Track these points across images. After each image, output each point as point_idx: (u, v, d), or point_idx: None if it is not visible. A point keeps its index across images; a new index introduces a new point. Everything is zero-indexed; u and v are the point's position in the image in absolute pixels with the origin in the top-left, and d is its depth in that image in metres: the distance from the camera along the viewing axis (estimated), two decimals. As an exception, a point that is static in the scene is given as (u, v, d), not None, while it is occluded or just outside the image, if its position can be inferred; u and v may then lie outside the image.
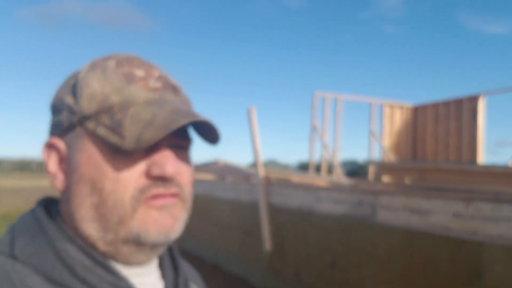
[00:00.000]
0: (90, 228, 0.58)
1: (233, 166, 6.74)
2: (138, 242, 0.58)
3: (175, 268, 0.71)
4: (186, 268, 0.77)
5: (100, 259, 0.59)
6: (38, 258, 0.56)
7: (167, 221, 0.59)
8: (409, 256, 3.68)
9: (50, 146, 0.64)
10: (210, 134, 0.64)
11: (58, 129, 0.63)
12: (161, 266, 0.69)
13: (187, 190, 0.63)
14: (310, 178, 6.10)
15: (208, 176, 9.00)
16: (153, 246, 0.61)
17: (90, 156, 0.59)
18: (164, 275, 0.67)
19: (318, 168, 8.51)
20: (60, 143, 0.62)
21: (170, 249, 0.73)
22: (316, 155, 8.29)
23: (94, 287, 0.56)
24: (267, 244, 5.74)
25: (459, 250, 3.27)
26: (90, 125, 0.59)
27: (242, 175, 6.86)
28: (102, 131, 0.58)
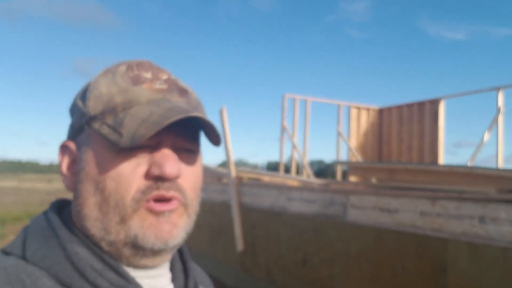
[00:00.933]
0: (94, 227, 0.59)
1: (204, 166, 6.74)
2: (136, 246, 0.58)
3: (186, 271, 0.71)
4: (197, 272, 0.78)
5: (111, 262, 0.59)
6: (49, 260, 0.56)
7: (165, 227, 0.59)
8: (378, 253, 3.83)
9: (63, 148, 0.66)
10: (212, 135, 0.64)
11: (71, 132, 0.65)
12: (172, 269, 0.69)
13: (191, 195, 0.63)
14: (280, 178, 6.19)
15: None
16: (155, 251, 0.60)
17: (94, 155, 0.60)
18: (174, 278, 0.68)
19: (287, 168, 8.64)
20: (72, 145, 0.64)
21: (180, 253, 0.74)
22: (285, 156, 8.41)
23: None
24: (239, 244, 5.79)
25: (425, 247, 3.43)
26: (96, 125, 0.60)
27: (213, 175, 6.87)
28: (105, 130, 0.59)
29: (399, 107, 8.59)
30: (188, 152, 0.64)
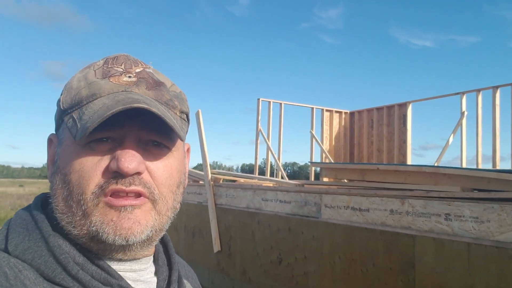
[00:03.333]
0: (62, 220, 0.59)
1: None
2: (99, 240, 0.58)
3: (170, 264, 0.71)
4: (181, 266, 0.79)
5: (93, 256, 0.59)
6: (31, 253, 0.56)
7: (125, 224, 0.57)
8: (350, 250, 3.98)
9: (49, 141, 0.67)
10: (165, 127, 0.60)
11: (55, 125, 0.66)
12: (156, 262, 0.69)
13: (160, 190, 0.61)
14: (255, 179, 6.29)
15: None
16: (123, 247, 0.60)
17: (64, 149, 0.60)
18: (158, 271, 0.68)
19: (262, 171, 8.75)
20: (55, 138, 0.65)
21: (165, 246, 0.74)
22: (260, 158, 8.52)
23: (85, 285, 0.56)
24: (216, 245, 5.84)
25: (394, 243, 3.60)
26: (66, 118, 0.61)
27: (190, 177, 6.89)
28: (70, 124, 0.59)
29: (369, 111, 8.86)
30: (157, 146, 0.62)
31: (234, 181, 6.66)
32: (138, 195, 0.59)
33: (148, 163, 0.61)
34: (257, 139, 8.37)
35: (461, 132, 7.10)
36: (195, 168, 7.71)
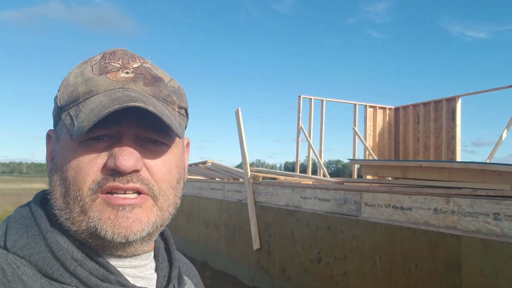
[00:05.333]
0: (61, 217, 0.58)
1: (221, 166, 6.83)
2: (98, 237, 0.57)
3: (170, 261, 0.71)
4: (182, 262, 0.78)
5: (92, 252, 0.59)
6: (30, 250, 0.56)
7: (124, 223, 0.57)
8: (392, 250, 3.84)
9: (48, 137, 0.67)
10: (162, 125, 0.59)
11: (53, 121, 0.66)
12: (156, 258, 0.69)
13: (160, 186, 0.61)
14: (296, 177, 6.23)
15: (197, 177, 9.06)
16: (123, 243, 0.59)
17: (62, 145, 0.60)
18: (158, 268, 0.67)
19: (304, 168, 8.67)
20: (53, 134, 0.65)
21: (166, 242, 0.74)
22: (302, 156, 8.45)
23: (83, 281, 0.56)
24: (255, 242, 5.85)
25: (439, 244, 3.43)
26: (63, 115, 0.60)
27: (230, 175, 6.95)
28: (67, 121, 0.59)
29: (415, 106, 8.52)
30: (155, 143, 0.61)
31: (275, 179, 6.64)
32: (137, 192, 0.59)
33: (146, 160, 0.60)
34: (298, 137, 8.30)
35: (515, 127, 6.67)
36: (238, 166, 7.78)
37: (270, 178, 6.91)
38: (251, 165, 7.11)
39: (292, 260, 5.20)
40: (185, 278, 0.74)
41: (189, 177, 9.47)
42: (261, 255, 5.85)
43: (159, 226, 0.62)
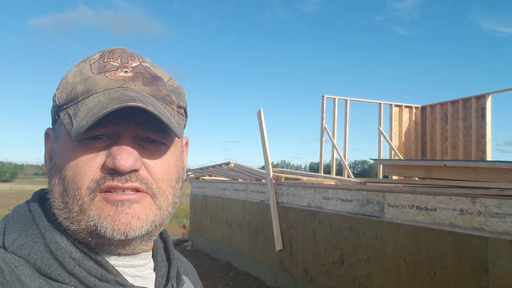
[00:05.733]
0: (60, 216, 0.58)
1: (243, 167, 6.84)
2: (98, 235, 0.57)
3: (169, 260, 0.70)
4: (180, 262, 0.78)
5: (91, 251, 0.58)
6: (28, 249, 0.56)
7: (123, 219, 0.57)
8: (416, 252, 3.74)
9: (46, 136, 0.67)
10: (161, 124, 0.58)
11: (52, 120, 0.66)
12: (155, 258, 0.69)
13: (159, 185, 0.60)
14: (319, 178, 6.17)
15: (220, 178, 9.12)
16: (123, 241, 0.59)
17: (60, 145, 0.60)
18: (156, 267, 0.67)
19: (329, 169, 8.58)
20: (52, 133, 0.65)
21: (164, 242, 0.73)
22: (327, 157, 8.36)
23: (81, 281, 0.56)
24: (278, 243, 5.83)
25: (465, 246, 3.32)
26: (62, 114, 0.60)
27: (252, 176, 6.96)
28: (66, 120, 0.58)
29: (443, 104, 8.29)
30: (153, 142, 0.61)
31: (298, 179, 6.60)
32: (136, 190, 0.59)
33: (145, 160, 0.60)
34: (321, 137, 8.22)
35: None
36: (262, 168, 7.79)
37: (293, 179, 6.87)
38: (276, 166, 7.10)
39: (315, 261, 5.15)
40: (184, 277, 0.73)
41: (212, 178, 9.54)
42: (284, 256, 5.82)
43: (158, 225, 0.62)
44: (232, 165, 7.09)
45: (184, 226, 12.81)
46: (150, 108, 0.55)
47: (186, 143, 0.74)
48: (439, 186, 3.97)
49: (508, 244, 2.99)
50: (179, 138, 0.63)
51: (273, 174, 6.09)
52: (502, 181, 3.51)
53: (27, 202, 0.64)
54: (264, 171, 6.41)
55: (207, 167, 8.47)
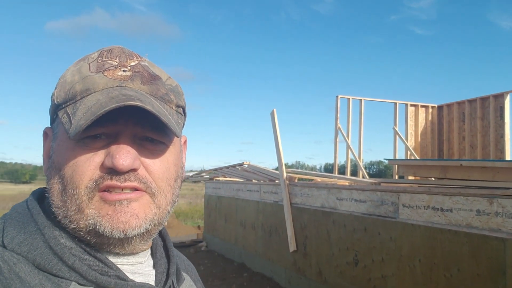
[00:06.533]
0: (59, 215, 0.58)
1: (257, 167, 6.84)
2: (97, 234, 0.57)
3: (168, 258, 0.71)
4: (180, 259, 0.78)
5: (90, 248, 0.59)
6: (27, 246, 0.56)
7: (122, 218, 0.57)
8: (432, 254, 3.68)
9: (45, 135, 0.67)
10: (161, 123, 0.58)
11: (50, 119, 0.66)
12: (154, 255, 0.69)
13: (158, 184, 0.60)
14: (333, 178, 6.13)
15: (234, 178, 9.14)
16: (121, 240, 0.59)
17: (59, 144, 0.60)
18: (156, 264, 0.68)
19: (344, 170, 8.51)
20: (50, 132, 0.65)
21: (163, 240, 0.74)
22: (342, 157, 8.30)
23: (82, 275, 0.56)
24: (292, 244, 5.80)
25: (482, 247, 3.25)
26: (60, 113, 0.60)
27: (266, 177, 6.94)
28: (64, 119, 0.58)
29: (460, 103, 8.15)
30: (152, 141, 0.61)
31: (312, 180, 6.56)
32: (134, 189, 0.59)
33: (144, 159, 0.60)
34: (336, 138, 8.16)
35: None
36: (276, 169, 7.78)
37: (307, 180, 6.83)
38: (291, 166, 7.08)
39: (329, 262, 5.11)
40: (184, 274, 0.74)
41: (226, 179, 9.55)
42: (298, 257, 5.79)
43: (157, 223, 0.62)
44: (246, 166, 7.10)
45: (198, 227, 12.88)
46: (148, 107, 0.55)
47: (185, 142, 0.74)
48: (455, 187, 3.89)
49: (527, 246, 2.91)
50: (177, 137, 0.63)
51: (286, 175, 6.07)
52: (520, 181, 3.43)
53: (26, 200, 0.64)
54: (277, 172, 6.39)
55: (221, 168, 8.49)
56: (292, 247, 5.79)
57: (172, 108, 0.64)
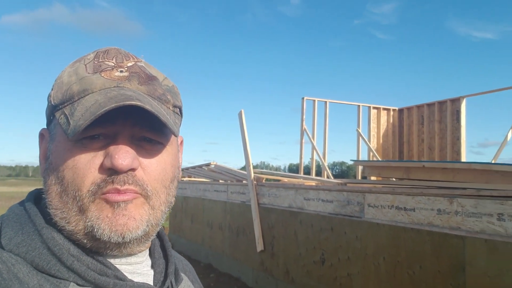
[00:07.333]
0: (56, 216, 0.58)
1: (224, 168, 6.83)
2: (94, 237, 0.57)
3: (166, 258, 0.71)
4: (178, 260, 0.79)
5: (87, 250, 0.59)
6: (25, 247, 0.56)
7: (121, 220, 0.57)
8: (396, 252, 3.82)
9: (41, 136, 0.66)
10: (160, 124, 0.59)
11: (46, 120, 0.66)
12: (152, 255, 0.69)
13: (152, 186, 0.61)
14: (299, 179, 6.22)
15: (201, 179, 9.08)
16: (119, 244, 0.59)
17: (57, 144, 0.60)
18: (154, 264, 0.68)
19: (308, 170, 8.65)
20: (46, 133, 0.65)
21: (161, 240, 0.74)
22: (306, 158, 8.43)
23: (80, 275, 0.56)
24: (259, 244, 5.84)
25: (443, 245, 3.41)
26: (57, 114, 0.60)
27: (233, 177, 6.95)
28: (62, 120, 0.58)
29: (419, 107, 8.49)
30: (150, 142, 0.61)
31: (279, 180, 6.63)
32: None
33: (142, 159, 0.60)
34: (301, 139, 8.28)
35: (521, 128, 6.61)
36: (242, 168, 7.79)
37: (273, 180, 6.89)
38: (255, 167, 7.13)
39: (296, 261, 5.19)
40: (182, 274, 0.74)
41: (193, 179, 9.48)
42: (265, 257, 5.83)
43: (154, 224, 0.62)
44: (213, 166, 7.07)
45: (163, 228, 12.68)
46: (148, 107, 0.55)
47: (181, 143, 0.74)
48: (418, 187, 4.06)
49: (484, 243, 3.08)
50: (176, 136, 0.64)
51: (254, 175, 6.10)
52: (478, 182, 3.62)
53: (22, 201, 0.64)
54: (245, 172, 6.41)
55: (187, 168, 8.42)
56: (259, 247, 5.83)
57: (169, 108, 0.65)
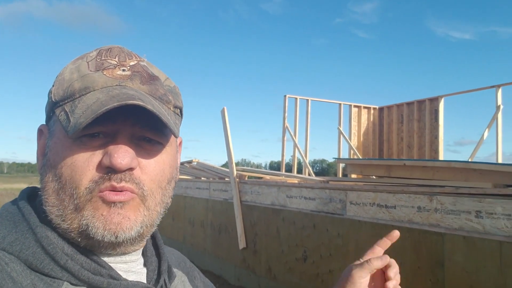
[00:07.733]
0: (51, 213, 0.58)
1: (206, 165, 6.81)
2: (87, 236, 0.57)
3: (159, 256, 0.71)
4: (171, 255, 0.79)
5: (81, 249, 0.59)
6: (19, 245, 0.56)
7: (115, 219, 0.57)
8: (377, 248, 3.88)
9: (40, 132, 0.66)
10: (161, 124, 0.59)
11: (46, 116, 0.65)
12: (144, 254, 0.69)
13: (150, 186, 0.61)
14: (281, 176, 6.25)
15: (182, 176, 9.02)
16: (112, 243, 0.59)
17: (55, 141, 0.60)
18: (147, 262, 0.68)
19: (289, 168, 8.70)
20: (46, 130, 0.64)
21: (153, 238, 0.74)
22: (288, 155, 8.47)
23: (74, 274, 0.56)
24: (241, 241, 5.85)
25: (422, 242, 3.48)
26: (58, 111, 0.59)
27: (215, 174, 6.93)
28: (62, 117, 0.58)
29: (399, 106, 8.63)
30: (149, 142, 0.61)
31: (261, 178, 6.64)
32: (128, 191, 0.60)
33: (140, 159, 0.60)
34: (283, 137, 8.32)
35: (496, 127, 6.80)
36: (223, 166, 7.77)
37: (256, 178, 6.91)
38: (237, 164, 7.13)
39: (278, 259, 5.22)
40: (175, 270, 0.74)
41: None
42: (247, 254, 5.85)
43: (148, 225, 0.62)
44: (195, 163, 7.03)
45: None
46: (150, 107, 0.55)
47: (180, 143, 0.74)
48: (399, 185, 4.13)
49: (463, 240, 3.16)
50: (176, 137, 0.64)
51: (236, 173, 6.10)
52: (457, 180, 3.71)
53: (16, 200, 0.63)
54: (227, 170, 6.40)
55: (168, 166, 8.34)
56: (241, 244, 5.84)
57: (170, 108, 0.65)
